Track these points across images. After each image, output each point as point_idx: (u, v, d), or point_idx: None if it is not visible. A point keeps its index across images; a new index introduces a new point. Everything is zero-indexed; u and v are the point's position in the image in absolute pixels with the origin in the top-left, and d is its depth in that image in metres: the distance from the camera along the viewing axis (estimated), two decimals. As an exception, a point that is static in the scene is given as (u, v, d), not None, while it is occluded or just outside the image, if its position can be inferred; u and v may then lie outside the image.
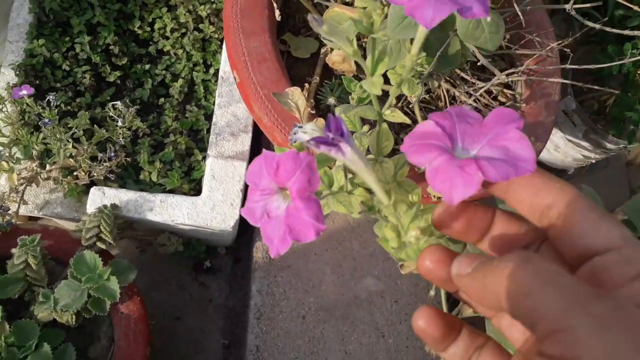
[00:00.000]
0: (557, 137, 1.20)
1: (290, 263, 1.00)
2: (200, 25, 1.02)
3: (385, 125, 0.44)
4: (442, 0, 0.29)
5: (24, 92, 0.73)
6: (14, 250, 0.74)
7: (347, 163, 0.33)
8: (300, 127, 0.35)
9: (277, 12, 0.69)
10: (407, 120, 0.45)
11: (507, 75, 0.62)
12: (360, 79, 0.66)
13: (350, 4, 0.67)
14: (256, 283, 0.97)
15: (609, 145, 1.14)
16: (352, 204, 0.42)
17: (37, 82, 0.94)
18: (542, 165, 1.31)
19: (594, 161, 1.25)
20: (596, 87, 0.78)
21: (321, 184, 0.43)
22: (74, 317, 0.74)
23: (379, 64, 0.38)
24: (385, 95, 0.45)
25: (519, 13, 0.60)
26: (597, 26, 0.64)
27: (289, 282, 0.98)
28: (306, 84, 0.69)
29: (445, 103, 0.69)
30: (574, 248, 0.27)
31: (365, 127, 0.50)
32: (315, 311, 0.99)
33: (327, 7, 0.73)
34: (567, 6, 0.60)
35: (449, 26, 0.53)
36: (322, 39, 0.65)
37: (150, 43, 1.02)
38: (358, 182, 0.42)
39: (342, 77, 0.63)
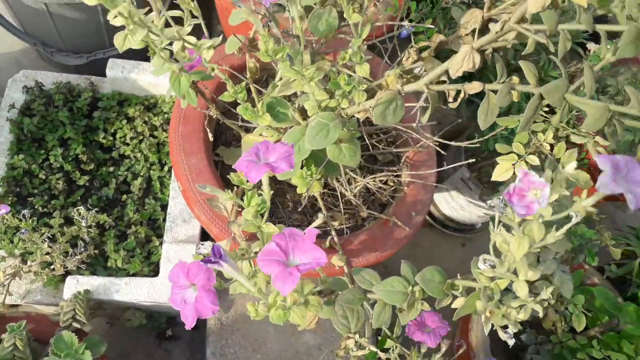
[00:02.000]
0: (460, 199, 1.45)
1: (239, 326, 1.18)
2: (155, 133, 1.24)
3: (266, 231, 0.65)
4: (261, 166, 0.52)
5: (3, 211, 0.92)
6: (3, 336, 0.90)
7: (224, 271, 0.54)
8: (202, 244, 0.56)
9: (210, 135, 0.92)
10: (277, 231, 0.65)
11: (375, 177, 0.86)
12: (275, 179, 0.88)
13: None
14: (210, 346, 1.14)
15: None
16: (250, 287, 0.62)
17: (18, 189, 1.13)
18: (453, 222, 1.56)
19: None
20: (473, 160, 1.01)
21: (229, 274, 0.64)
22: (55, 387, 0.90)
23: (252, 200, 0.60)
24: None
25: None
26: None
27: (239, 343, 1.16)
28: (236, 187, 0.91)
29: (340, 193, 0.91)
30: None
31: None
32: (263, 366, 1.16)
33: (251, 128, 0.96)
34: (414, 124, 0.84)
35: (323, 152, 0.76)
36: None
37: (113, 149, 1.23)
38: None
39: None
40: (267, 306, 0.52)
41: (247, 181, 0.61)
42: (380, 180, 1.01)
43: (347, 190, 0.88)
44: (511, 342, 0.52)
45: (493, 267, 0.59)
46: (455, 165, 1.10)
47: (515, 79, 0.63)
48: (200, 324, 1.25)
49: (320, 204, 0.92)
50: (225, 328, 1.17)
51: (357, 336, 0.63)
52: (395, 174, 1.01)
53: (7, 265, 1.02)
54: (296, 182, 0.83)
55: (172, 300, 0.53)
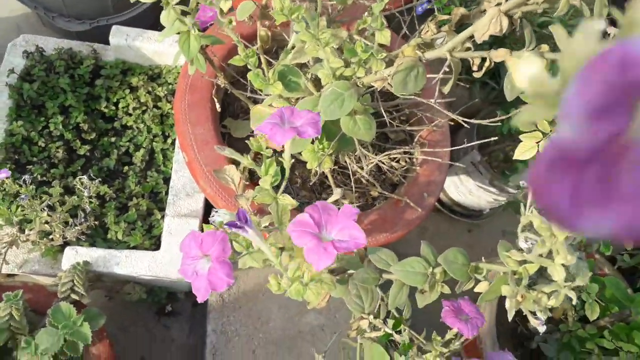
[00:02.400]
0: (469, 184, 1.41)
1: (242, 304, 1.15)
2: (159, 104, 1.19)
3: (281, 203, 0.62)
4: (287, 130, 0.48)
5: (3, 175, 0.89)
6: (-1, 305, 0.88)
7: (248, 237, 0.50)
8: (217, 211, 0.53)
9: (217, 105, 0.88)
10: (295, 204, 0.62)
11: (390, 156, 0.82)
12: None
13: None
14: (211, 323, 1.11)
15: (510, 190, 1.36)
16: (262, 260, 0.59)
17: (17, 157, 1.09)
18: (461, 207, 1.52)
19: (504, 202, 1.46)
20: (487, 140, 0.98)
21: (240, 246, 0.61)
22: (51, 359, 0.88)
23: (270, 168, 0.56)
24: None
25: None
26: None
27: (240, 321, 1.13)
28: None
29: (352, 170, 0.88)
30: None
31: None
32: (265, 345, 1.14)
33: (258, 100, 0.92)
34: (432, 100, 0.80)
35: (335, 125, 0.72)
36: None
37: (115, 119, 1.19)
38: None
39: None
40: (290, 280, 0.48)
41: (266, 148, 0.57)
42: (393, 159, 0.98)
43: (359, 168, 0.84)
44: (542, 328, 0.49)
45: (521, 250, 0.55)
46: (468, 145, 1.06)
47: (544, 46, 0.59)
48: (201, 300, 1.22)
49: (331, 181, 0.88)
50: (227, 305, 1.14)
51: (371, 317, 0.60)
52: (409, 152, 0.97)
53: (5, 233, 0.99)
54: (307, 156, 0.79)
55: (183, 272, 0.50)
